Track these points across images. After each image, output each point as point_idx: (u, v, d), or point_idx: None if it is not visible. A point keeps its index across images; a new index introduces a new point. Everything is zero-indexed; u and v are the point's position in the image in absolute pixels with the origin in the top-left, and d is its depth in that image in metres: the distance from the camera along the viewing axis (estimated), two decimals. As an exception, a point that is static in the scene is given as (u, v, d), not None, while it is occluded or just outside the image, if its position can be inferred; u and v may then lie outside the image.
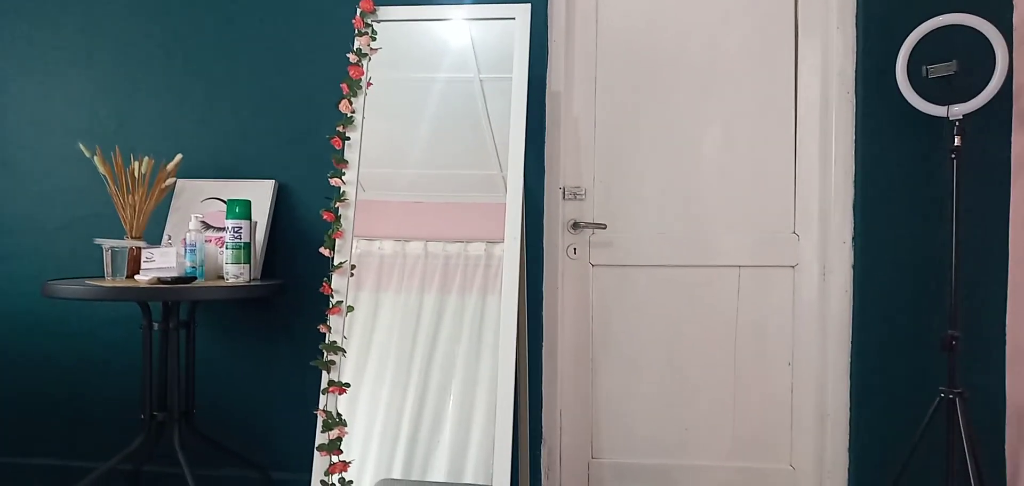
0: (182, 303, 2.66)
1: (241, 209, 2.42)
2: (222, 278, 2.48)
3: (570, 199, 2.79)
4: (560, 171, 2.76)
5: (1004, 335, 2.50)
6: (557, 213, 2.75)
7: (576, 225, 2.79)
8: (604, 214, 2.79)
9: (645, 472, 2.78)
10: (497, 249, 2.25)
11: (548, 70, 2.69)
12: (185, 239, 2.48)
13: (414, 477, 2.14)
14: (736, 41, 2.74)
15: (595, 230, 2.79)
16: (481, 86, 2.40)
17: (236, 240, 2.41)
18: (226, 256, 2.42)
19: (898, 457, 2.52)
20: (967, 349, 2.49)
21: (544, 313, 2.70)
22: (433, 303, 2.26)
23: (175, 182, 2.73)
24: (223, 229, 2.52)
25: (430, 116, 2.39)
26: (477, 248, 2.27)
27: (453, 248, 2.28)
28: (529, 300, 2.67)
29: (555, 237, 2.75)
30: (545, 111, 2.69)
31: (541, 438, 2.71)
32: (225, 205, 2.46)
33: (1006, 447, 2.50)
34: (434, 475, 2.13)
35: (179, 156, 2.65)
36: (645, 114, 2.77)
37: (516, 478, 2.58)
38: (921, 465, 2.50)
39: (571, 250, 2.80)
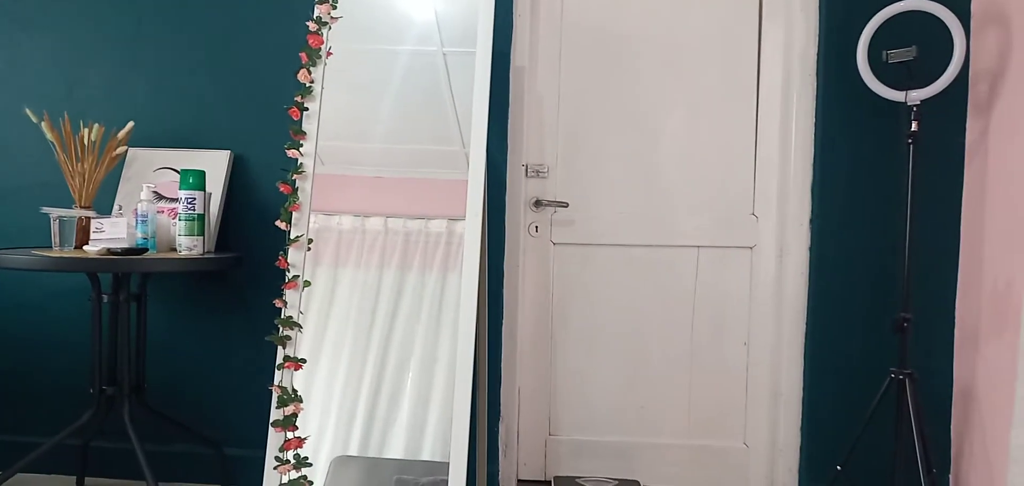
0: (133, 275, 2.59)
1: (195, 180, 2.36)
2: (175, 250, 2.42)
3: (533, 177, 2.78)
4: (523, 148, 2.74)
5: (953, 318, 2.56)
6: (519, 191, 2.74)
7: (538, 203, 2.78)
8: (566, 192, 2.78)
9: (602, 449, 2.80)
10: (459, 226, 2.23)
11: (512, 45, 2.67)
12: (136, 209, 2.42)
13: (371, 454, 2.12)
14: (700, 22, 2.74)
15: (557, 208, 2.78)
16: (445, 60, 2.36)
17: (189, 211, 2.35)
18: (179, 228, 2.36)
19: (849, 435, 2.58)
20: (918, 331, 2.54)
21: (504, 291, 2.69)
22: (393, 280, 2.23)
23: (126, 151, 2.66)
24: (176, 200, 2.46)
25: (392, 89, 2.35)
26: (438, 225, 2.24)
27: (414, 225, 2.26)
28: (490, 278, 2.65)
29: (517, 215, 2.73)
30: (509, 87, 2.66)
31: (499, 415, 2.71)
32: (178, 175, 2.40)
33: (952, 426, 2.57)
34: (391, 452, 2.12)
35: (131, 124, 2.57)
36: (608, 93, 2.76)
37: (473, 455, 2.58)
38: (871, 443, 2.56)
39: (533, 228, 2.79)
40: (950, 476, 2.57)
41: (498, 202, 2.66)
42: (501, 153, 2.66)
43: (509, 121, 2.67)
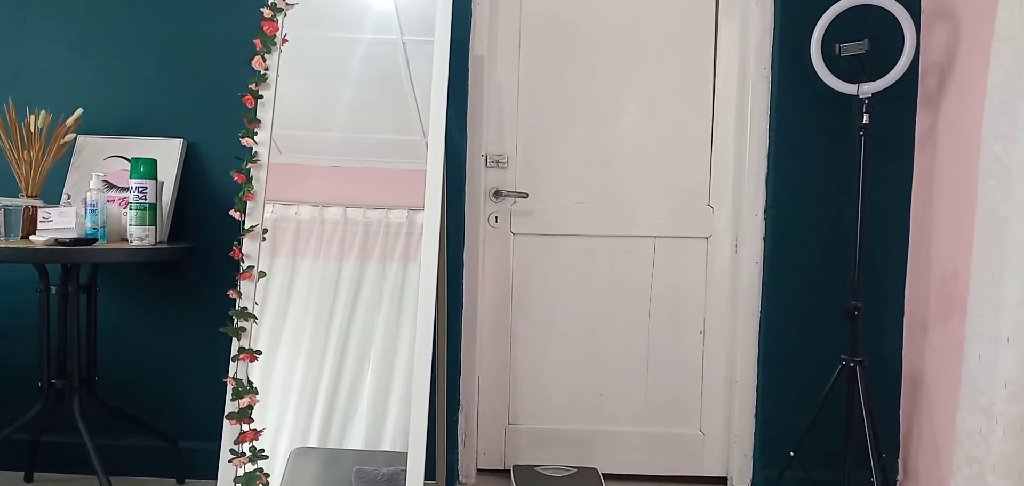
0: (82, 266, 2.53)
1: (146, 168, 2.31)
2: (126, 240, 2.37)
3: (492, 167, 2.78)
4: (483, 138, 2.73)
5: (903, 306, 2.62)
6: (479, 181, 2.73)
7: (498, 193, 2.77)
8: (526, 183, 2.79)
9: (561, 437, 2.82)
10: (419, 217, 2.22)
11: (471, 34, 2.65)
12: (86, 199, 2.36)
13: (331, 446, 2.11)
14: (658, 14, 2.76)
15: (516, 199, 2.78)
16: (404, 49, 2.34)
17: (140, 201, 2.30)
18: (130, 217, 2.31)
19: (802, 421, 2.63)
20: (868, 319, 2.60)
21: (464, 281, 2.69)
22: (352, 271, 2.21)
23: (75, 138, 2.59)
24: (127, 189, 2.41)
25: (351, 78, 2.33)
26: (399, 215, 2.23)
27: (374, 215, 2.24)
28: (450, 268, 2.65)
29: (477, 205, 2.73)
30: (468, 77, 2.65)
31: (459, 405, 2.71)
32: (129, 164, 2.35)
33: (900, 411, 2.64)
34: (351, 443, 2.11)
35: (79, 110, 2.51)
36: (567, 84, 2.77)
37: (433, 445, 2.58)
38: (823, 429, 2.61)
39: (492, 218, 2.79)
40: (899, 460, 2.64)
41: (458, 192, 2.66)
42: (461, 143, 2.65)
43: (468, 111, 2.66)
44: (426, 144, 2.26)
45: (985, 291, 1.95)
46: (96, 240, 2.30)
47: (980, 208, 1.99)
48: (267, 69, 2.28)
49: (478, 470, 2.83)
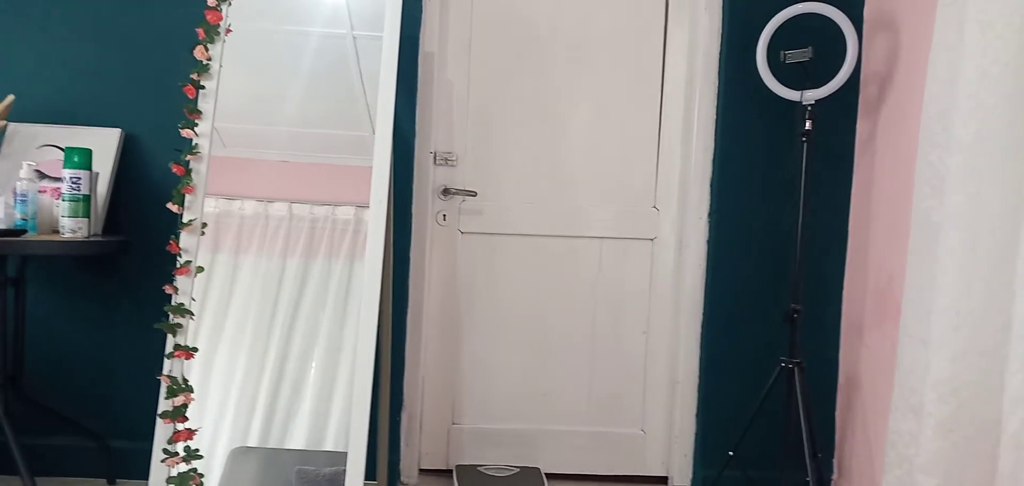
0: (10, 258, 2.43)
1: (80, 158, 2.23)
2: (58, 232, 2.28)
3: (441, 164, 2.76)
4: (432, 135, 2.71)
5: (840, 309, 2.68)
6: (428, 178, 2.71)
7: (446, 191, 2.76)
8: (474, 181, 2.77)
9: (504, 437, 2.81)
10: (367, 214, 2.19)
11: (422, 30, 2.63)
12: (15, 188, 2.27)
13: (271, 445, 2.07)
14: (609, 17, 2.77)
15: (465, 197, 2.77)
16: (354, 43, 2.31)
17: (74, 191, 2.22)
18: (62, 209, 2.23)
19: (741, 421, 2.67)
20: (807, 321, 2.65)
21: (410, 280, 2.67)
22: (297, 268, 2.17)
23: (6, 126, 2.49)
24: (60, 180, 2.32)
25: (300, 72, 2.29)
26: (346, 212, 2.20)
27: (320, 211, 2.20)
28: (396, 266, 2.62)
29: (425, 203, 2.71)
30: (418, 73, 2.63)
31: (402, 404, 2.68)
32: (63, 153, 2.27)
33: (837, 412, 2.70)
34: (293, 443, 2.07)
35: (11, 97, 2.41)
36: (518, 84, 2.77)
37: (374, 445, 2.54)
38: (761, 429, 2.66)
39: (440, 216, 2.77)
40: (834, 459, 2.70)
41: (406, 189, 2.63)
42: (410, 140, 2.62)
43: (418, 107, 2.64)
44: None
45: (918, 295, 2.00)
46: (26, 231, 2.22)
47: (915, 214, 2.04)
48: (210, 59, 2.23)
49: (420, 470, 2.81)
